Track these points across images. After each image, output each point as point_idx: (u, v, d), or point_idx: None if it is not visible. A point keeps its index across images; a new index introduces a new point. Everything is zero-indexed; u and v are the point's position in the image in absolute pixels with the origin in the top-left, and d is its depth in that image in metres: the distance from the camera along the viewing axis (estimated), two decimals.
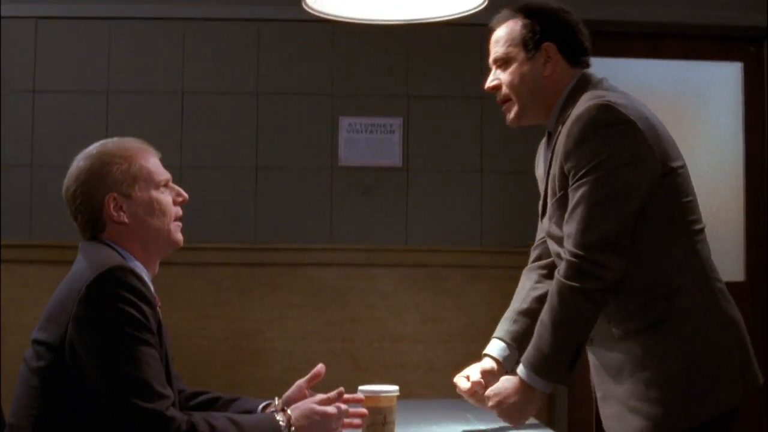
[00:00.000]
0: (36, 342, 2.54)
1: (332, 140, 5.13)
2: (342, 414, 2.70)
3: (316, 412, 2.64)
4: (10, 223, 4.81)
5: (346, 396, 2.76)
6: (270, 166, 5.11)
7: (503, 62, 2.91)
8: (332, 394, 2.73)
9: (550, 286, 2.67)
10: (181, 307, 4.99)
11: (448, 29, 4.63)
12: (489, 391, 2.78)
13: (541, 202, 2.92)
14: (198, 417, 2.51)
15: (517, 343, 2.97)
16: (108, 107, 5.05)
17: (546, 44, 2.86)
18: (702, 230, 2.77)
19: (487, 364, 2.98)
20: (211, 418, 2.55)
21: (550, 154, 2.84)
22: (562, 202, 2.72)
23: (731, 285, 5.06)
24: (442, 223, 5.14)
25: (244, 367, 4.98)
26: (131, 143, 2.77)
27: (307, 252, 5.07)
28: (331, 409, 2.66)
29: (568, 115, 2.75)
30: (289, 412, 2.63)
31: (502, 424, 2.90)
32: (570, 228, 2.64)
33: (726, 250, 5.27)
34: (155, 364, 2.47)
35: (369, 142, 5.13)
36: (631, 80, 5.34)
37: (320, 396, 2.75)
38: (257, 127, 5.11)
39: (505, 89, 2.91)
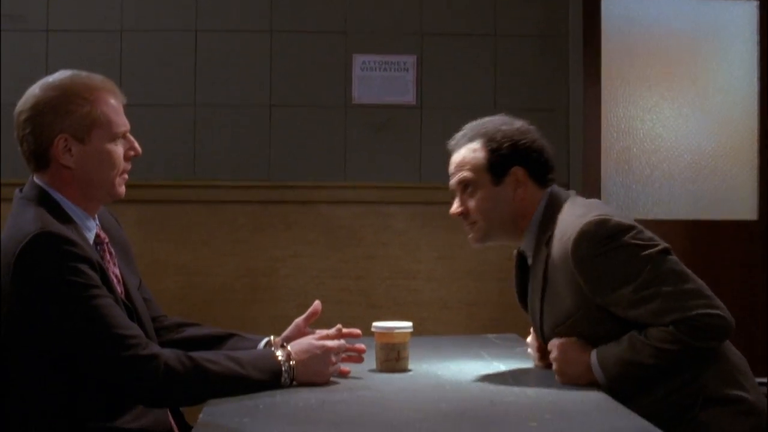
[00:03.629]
0: None
1: (346, 78, 5.13)
2: (341, 348, 2.73)
3: (316, 346, 2.67)
4: (11, 163, 4.80)
5: (344, 331, 2.79)
6: (284, 104, 5.11)
7: (469, 187, 2.89)
8: (331, 330, 2.77)
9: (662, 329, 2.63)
10: (196, 245, 5.03)
11: None
12: (561, 341, 2.76)
13: (536, 329, 2.91)
14: (182, 354, 2.52)
15: None
16: (122, 46, 5.04)
17: (514, 169, 2.84)
18: None
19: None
20: (208, 354, 2.58)
21: (541, 280, 2.81)
22: (580, 320, 2.72)
23: (743, 224, 5.13)
24: None
25: (258, 304, 5.02)
26: (100, 83, 2.65)
27: (321, 190, 5.09)
28: (330, 342, 2.70)
29: (550, 237, 2.77)
30: (288, 347, 2.67)
31: (519, 365, 2.94)
32: (657, 307, 2.63)
33: (738, 189, 5.27)
34: (111, 312, 2.46)
35: (383, 79, 5.12)
36: (645, 19, 5.31)
37: (319, 332, 2.79)
38: (271, 65, 5.10)
39: (473, 214, 2.89)
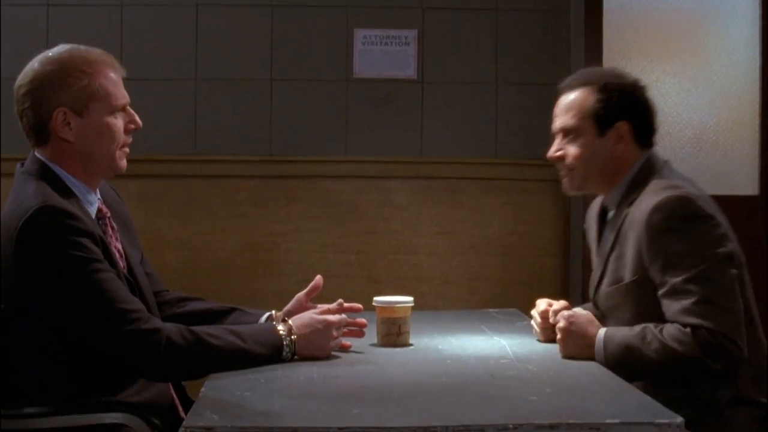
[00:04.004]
0: None
1: (347, 52, 5.12)
2: (342, 322, 2.75)
3: (318, 321, 2.68)
4: (11, 138, 4.80)
5: (345, 305, 2.81)
6: (285, 79, 5.10)
7: (572, 133, 2.87)
8: (332, 305, 2.78)
9: (681, 330, 2.64)
10: (198, 219, 5.03)
11: None
12: (570, 313, 2.79)
13: (594, 280, 2.94)
14: (184, 329, 2.53)
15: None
16: (122, 20, 5.03)
17: (620, 123, 2.84)
18: (758, 323, 2.81)
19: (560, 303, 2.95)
20: (210, 329, 2.59)
21: (613, 237, 2.84)
22: (634, 287, 2.74)
23: (744, 199, 5.12)
24: (457, 135, 5.15)
25: (260, 279, 5.03)
26: (98, 56, 2.64)
27: (323, 164, 5.09)
28: (332, 317, 2.71)
29: (635, 199, 2.78)
30: (289, 322, 2.68)
31: (520, 340, 2.95)
32: (689, 305, 2.63)
33: (740, 164, 5.27)
34: (113, 286, 2.47)
35: (384, 54, 5.12)
36: None
37: (321, 306, 2.80)
38: (272, 39, 5.10)
39: (570, 161, 2.89)
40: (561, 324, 2.76)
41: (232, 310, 2.94)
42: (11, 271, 2.45)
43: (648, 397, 2.26)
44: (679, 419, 2.04)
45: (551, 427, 2.01)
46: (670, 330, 2.64)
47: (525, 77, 5.11)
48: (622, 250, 2.80)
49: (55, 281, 2.43)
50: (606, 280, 2.87)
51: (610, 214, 2.91)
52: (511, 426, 2.01)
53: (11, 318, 2.49)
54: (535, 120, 4.96)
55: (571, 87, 2.91)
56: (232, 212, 5.07)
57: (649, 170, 2.84)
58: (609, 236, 2.87)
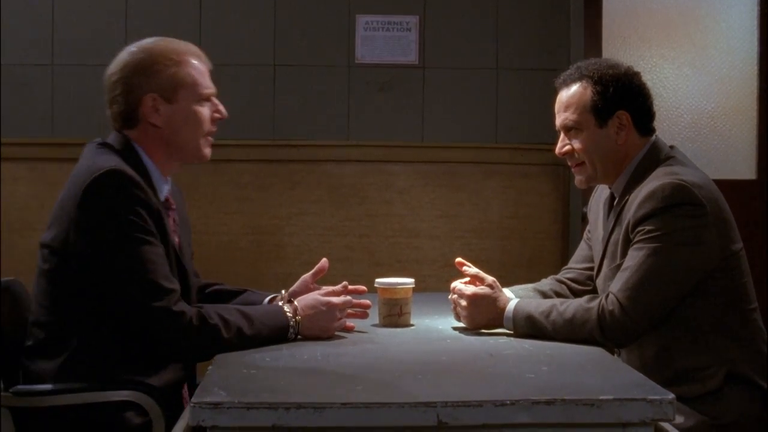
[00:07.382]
0: (42, 245, 2.60)
1: (349, 38, 5.15)
2: (347, 304, 2.80)
3: (322, 302, 2.73)
4: (32, 122, 4.86)
5: (349, 287, 2.86)
6: (288, 64, 5.14)
7: (574, 129, 2.93)
8: (337, 287, 2.83)
9: (584, 307, 2.74)
10: (202, 203, 5.07)
11: None
12: (473, 291, 2.87)
13: (597, 263, 3.01)
14: (209, 309, 2.59)
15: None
16: (127, 7, 5.06)
17: (619, 112, 2.89)
18: (756, 309, 2.85)
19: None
20: (222, 311, 2.63)
21: (613, 220, 2.90)
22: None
23: (742, 183, 5.16)
24: (458, 120, 5.18)
25: (264, 262, 5.08)
26: (187, 47, 2.77)
27: (325, 149, 5.13)
28: (336, 298, 2.76)
29: (638, 187, 2.82)
30: (295, 303, 2.73)
31: None
32: (620, 282, 2.73)
33: (737, 149, 5.31)
34: (158, 260, 2.54)
35: (386, 39, 5.15)
36: None
37: (325, 288, 2.85)
38: (275, 25, 5.13)
39: (578, 155, 2.95)
40: (463, 302, 2.86)
41: (243, 291, 3.03)
42: (71, 223, 2.52)
43: (641, 375, 2.32)
44: (671, 396, 2.09)
45: (547, 403, 2.07)
46: (574, 308, 2.73)
47: (525, 62, 5.14)
48: (619, 234, 2.86)
49: (104, 241, 2.50)
50: (605, 262, 2.93)
51: (616, 200, 2.97)
52: (508, 402, 2.07)
53: (61, 278, 2.56)
54: (535, 105, 5.01)
55: (567, 83, 2.96)
56: (236, 196, 5.11)
57: (654, 158, 2.90)
58: (611, 221, 2.93)
